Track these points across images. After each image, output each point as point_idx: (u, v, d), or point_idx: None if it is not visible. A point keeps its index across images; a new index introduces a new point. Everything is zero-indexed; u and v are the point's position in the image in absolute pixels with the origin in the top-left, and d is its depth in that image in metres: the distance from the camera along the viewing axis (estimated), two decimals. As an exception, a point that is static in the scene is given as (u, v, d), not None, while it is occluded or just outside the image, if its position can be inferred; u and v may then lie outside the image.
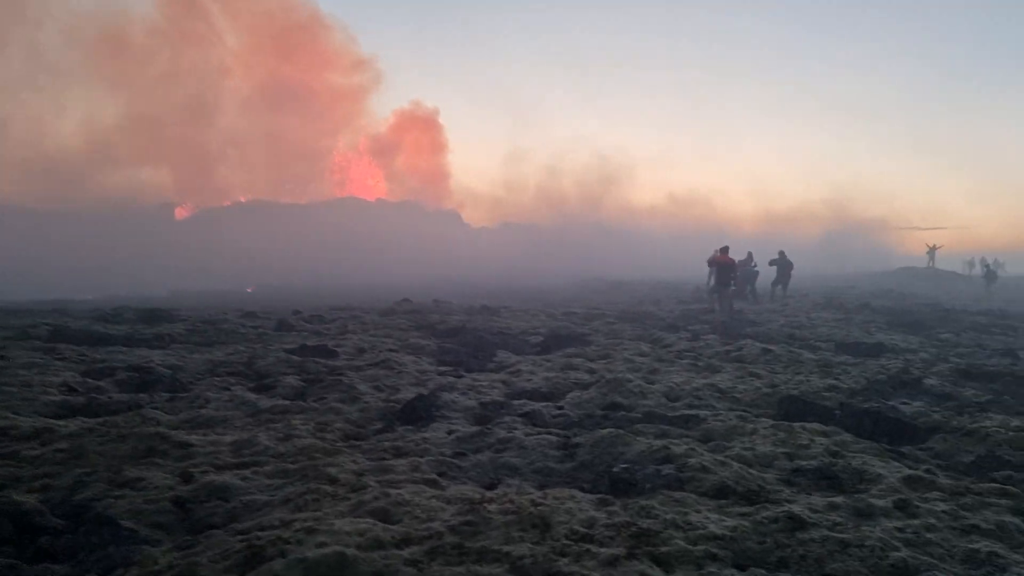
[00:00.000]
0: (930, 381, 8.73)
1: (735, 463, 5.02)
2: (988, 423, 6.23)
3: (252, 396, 7.41)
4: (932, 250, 50.30)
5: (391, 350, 10.90)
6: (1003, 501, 4.40)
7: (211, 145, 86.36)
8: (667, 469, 4.81)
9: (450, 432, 6.13)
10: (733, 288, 19.64)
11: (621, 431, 5.72)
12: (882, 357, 11.26)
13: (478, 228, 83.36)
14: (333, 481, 4.57)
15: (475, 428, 6.25)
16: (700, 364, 9.73)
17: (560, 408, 7.17)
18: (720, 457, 5.13)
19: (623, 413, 6.88)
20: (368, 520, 3.84)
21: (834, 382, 8.40)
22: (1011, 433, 5.90)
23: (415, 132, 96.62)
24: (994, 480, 5.00)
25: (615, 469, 4.90)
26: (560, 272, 47.92)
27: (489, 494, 4.46)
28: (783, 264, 24.22)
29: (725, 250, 19.28)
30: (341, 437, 6.02)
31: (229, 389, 7.73)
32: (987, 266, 39.29)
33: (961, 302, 26.94)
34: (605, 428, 6.02)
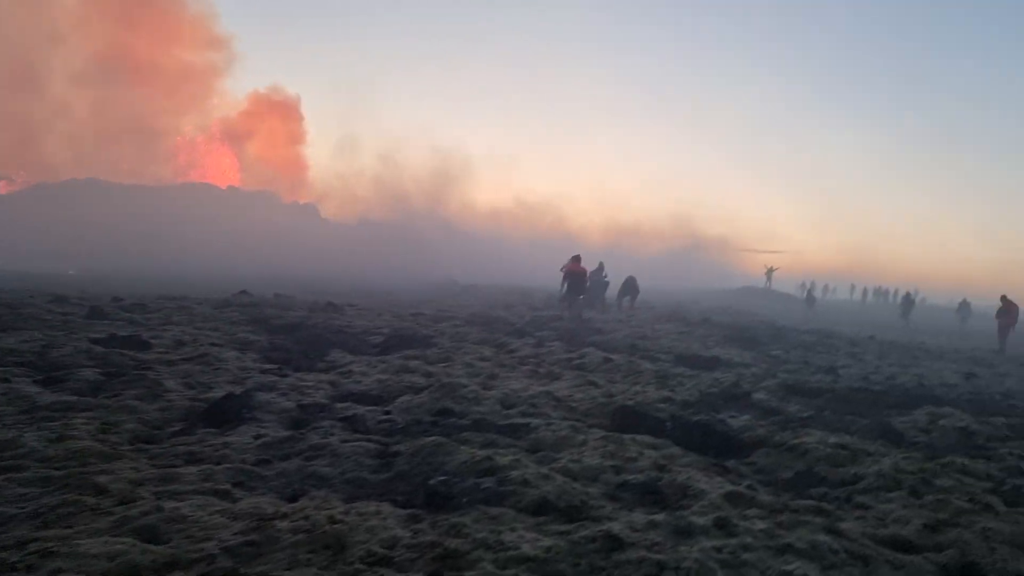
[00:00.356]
0: (759, 396, 8.99)
1: (560, 476, 4.80)
2: (808, 439, 6.38)
3: (33, 390, 6.48)
4: (770, 272, 53.78)
5: (214, 344, 10.07)
6: (817, 519, 4.40)
7: (39, 116, 78.58)
8: (487, 482, 4.51)
9: (258, 436, 5.57)
10: (583, 297, 19.89)
11: (446, 440, 5.38)
12: (717, 370, 11.59)
13: (336, 223, 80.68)
14: (100, 491, 3.94)
15: (287, 432, 5.72)
16: (541, 371, 9.60)
17: (387, 413, 6.75)
18: (545, 470, 4.89)
19: (454, 420, 6.55)
20: (128, 540, 3.27)
21: (669, 394, 8.47)
22: (828, 450, 6.05)
23: (273, 119, 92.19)
24: (811, 497, 5.06)
25: (432, 481, 4.54)
26: (416, 273, 47.30)
27: (285, 508, 3.99)
28: (630, 284, 25.11)
29: (577, 259, 19.53)
30: (129, 440, 5.31)
31: (8, 381, 6.75)
32: (808, 290, 43.36)
33: (792, 321, 28.73)
34: (431, 436, 5.67)
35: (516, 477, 4.58)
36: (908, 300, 37.53)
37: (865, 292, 61.75)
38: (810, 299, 40.42)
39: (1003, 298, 22.83)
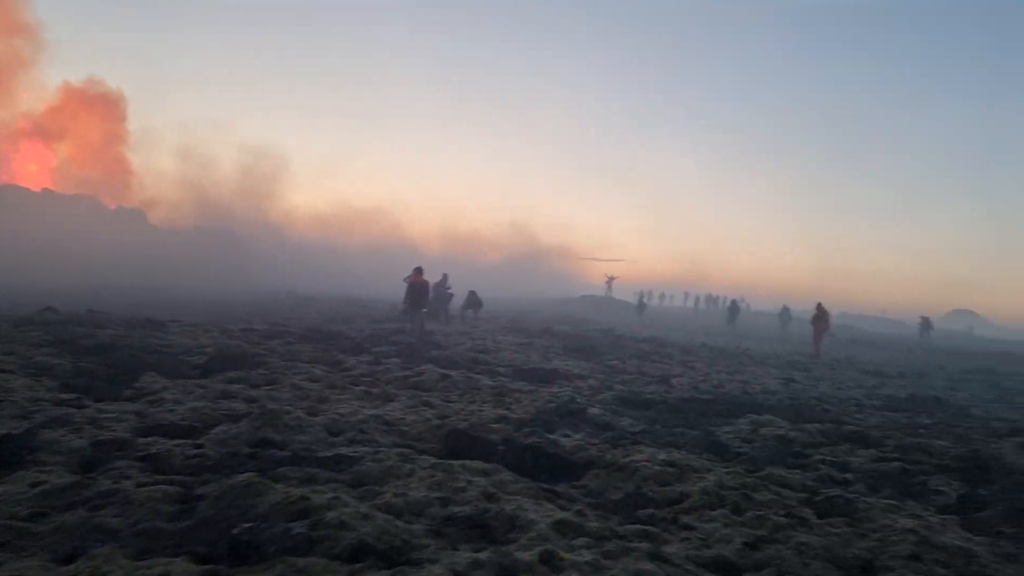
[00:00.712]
0: (594, 410, 9.06)
1: (381, 514, 4.49)
2: (638, 456, 6.42)
3: None
4: (610, 280, 55.79)
5: (3, 371, 8.94)
6: (643, 544, 4.36)
7: None
8: (299, 527, 4.12)
9: (35, 484, 4.86)
10: (425, 311, 19.60)
11: (258, 478, 4.92)
12: (555, 384, 11.66)
13: (166, 230, 75.35)
14: None
15: (73, 478, 5.04)
16: (375, 392, 9.21)
17: (199, 447, 6.14)
18: (366, 507, 4.56)
19: (274, 451, 6.06)
20: None
21: (505, 412, 8.35)
22: (657, 467, 6.10)
23: (90, 115, 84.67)
24: (638, 519, 5.04)
25: (236, 530, 4.10)
26: (254, 284, 45.20)
27: (56, 572, 3.45)
28: (474, 299, 25.12)
29: (419, 271, 19.22)
30: None
31: None
32: (640, 298, 45.98)
33: (630, 329, 29.79)
34: (245, 472, 5.19)
35: (332, 519, 4.23)
36: (734, 307, 40.04)
37: (697, 300, 65.37)
38: (640, 306, 43.15)
39: (818, 305, 24.73)
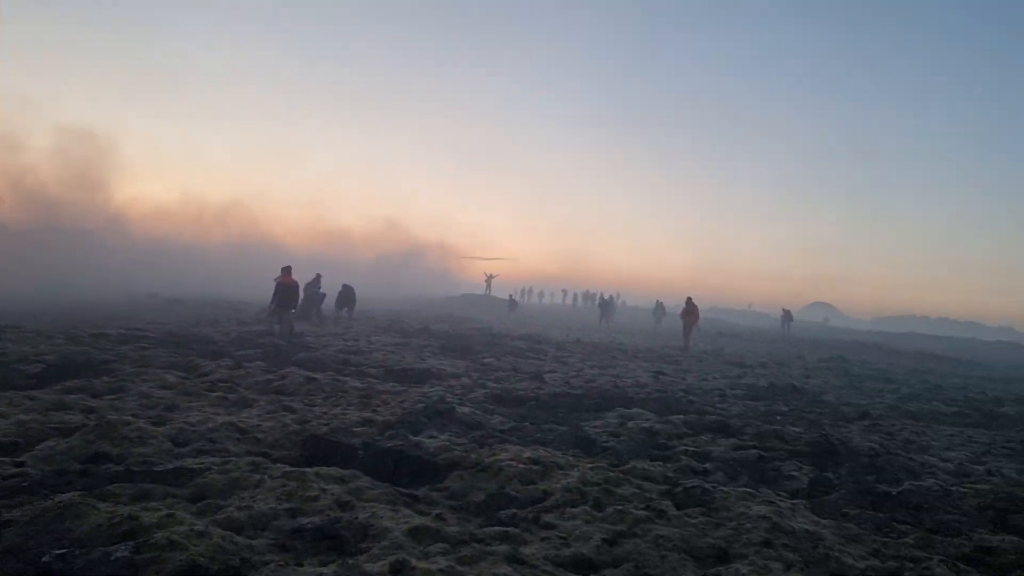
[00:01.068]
0: (464, 409, 8.91)
1: (220, 531, 4.16)
2: (503, 455, 6.32)
3: None
4: (490, 278, 55.93)
5: None
6: (502, 547, 4.24)
7: None
8: (121, 551, 3.74)
9: None
10: (294, 311, 18.92)
11: (80, 498, 4.47)
12: (427, 384, 11.46)
13: (13, 228, 69.30)
14: None
15: None
16: (232, 397, 8.70)
17: (20, 465, 5.54)
18: (203, 524, 4.22)
19: (109, 467, 5.55)
20: None
21: (371, 415, 8.07)
22: (521, 466, 6.01)
23: None
24: (499, 521, 4.92)
25: (46, 558, 3.68)
26: (116, 286, 42.39)
27: None
28: (347, 294, 24.42)
29: (288, 271, 18.51)
30: None
31: None
32: (511, 295, 47.23)
33: (507, 327, 29.91)
34: (71, 491, 4.73)
35: (160, 540, 3.87)
36: (605, 303, 41.10)
37: (575, 297, 66.54)
38: (511, 304, 44.25)
39: (688, 300, 25.63)
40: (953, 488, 6.54)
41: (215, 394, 8.87)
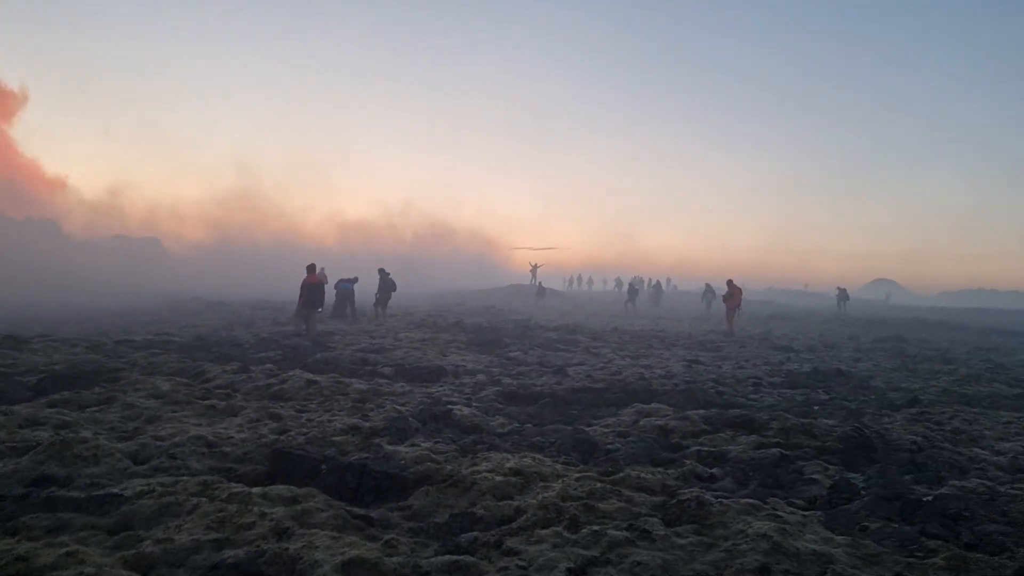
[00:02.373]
0: (464, 411, 8.33)
1: (124, 572, 3.66)
2: (483, 465, 5.72)
3: None
4: (535, 269, 55.33)
5: None
6: (446, 582, 3.65)
7: None
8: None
9: None
10: (320, 311, 18.62)
11: (-18, 534, 4.03)
12: (438, 383, 10.94)
13: (81, 241, 70.76)
14: None
15: None
16: (221, 405, 8.28)
17: (-42, 491, 5.18)
18: (111, 560, 3.73)
19: (52, 491, 5.11)
20: None
21: (358, 421, 7.54)
22: (499, 478, 5.40)
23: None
24: (457, 546, 4.30)
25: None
26: (171, 291, 43.04)
27: None
28: (384, 283, 23.91)
29: (312, 269, 18.24)
30: None
31: None
32: (539, 283, 48.09)
33: (549, 318, 29.26)
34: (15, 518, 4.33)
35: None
36: (632, 289, 40.40)
37: (619, 283, 65.44)
38: (540, 291, 44.98)
39: (729, 283, 24.55)
40: (1002, 489, 5.71)
41: (205, 402, 8.46)
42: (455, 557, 4.06)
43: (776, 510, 4.85)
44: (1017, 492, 5.59)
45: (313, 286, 17.86)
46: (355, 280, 23.78)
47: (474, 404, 9.19)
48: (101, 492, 4.85)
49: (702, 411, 8.53)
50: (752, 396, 10.73)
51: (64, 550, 3.83)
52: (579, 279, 72.79)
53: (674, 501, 5.01)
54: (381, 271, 24.08)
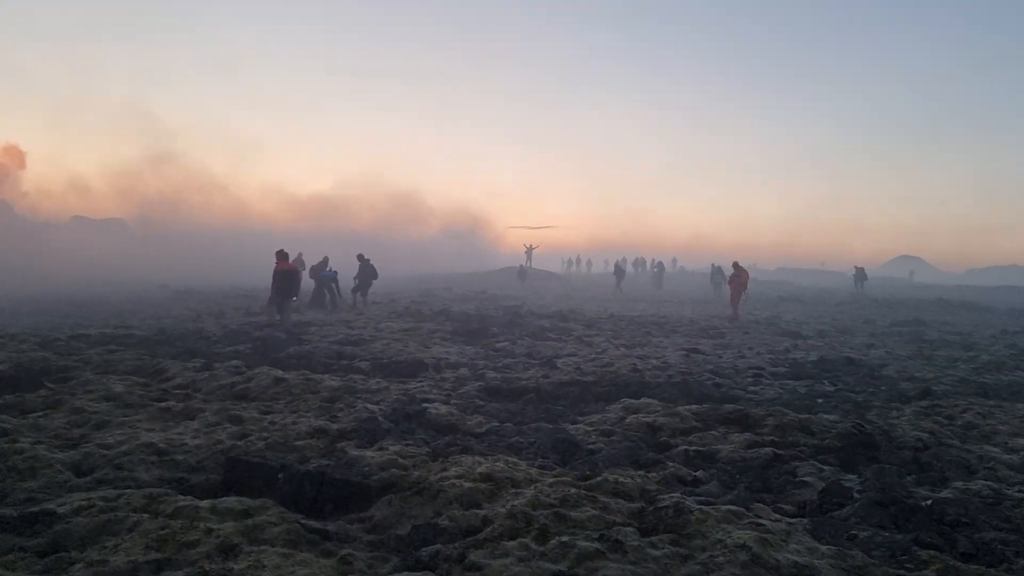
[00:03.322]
0: (440, 410, 8.34)
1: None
2: (453, 470, 5.73)
3: None
4: (529, 250, 55.36)
5: None
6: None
7: None
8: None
9: None
10: (295, 300, 18.60)
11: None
12: (416, 378, 10.95)
13: (37, 223, 70.54)
14: None
15: None
16: (177, 408, 8.27)
17: None
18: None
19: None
20: None
21: (326, 423, 7.54)
22: (468, 484, 5.41)
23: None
24: (418, 561, 4.31)
25: None
26: (146, 278, 43.02)
27: None
28: (364, 270, 23.88)
29: (284, 255, 18.09)
30: None
31: None
32: (521, 266, 49.00)
33: (542, 303, 29.28)
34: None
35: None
36: (619, 269, 40.69)
37: (626, 264, 65.65)
38: (521, 272, 45.87)
39: (735, 264, 24.54)
40: (1009, 492, 5.72)
41: (160, 404, 8.46)
42: (414, 574, 4.09)
43: (759, 517, 4.87)
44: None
45: (285, 274, 17.81)
46: (335, 274, 23.73)
47: (452, 401, 9.20)
48: (35, 509, 4.85)
49: (695, 406, 8.56)
50: (751, 389, 10.76)
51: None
52: (577, 261, 72.83)
53: (651, 508, 5.03)
54: (360, 257, 24.04)
